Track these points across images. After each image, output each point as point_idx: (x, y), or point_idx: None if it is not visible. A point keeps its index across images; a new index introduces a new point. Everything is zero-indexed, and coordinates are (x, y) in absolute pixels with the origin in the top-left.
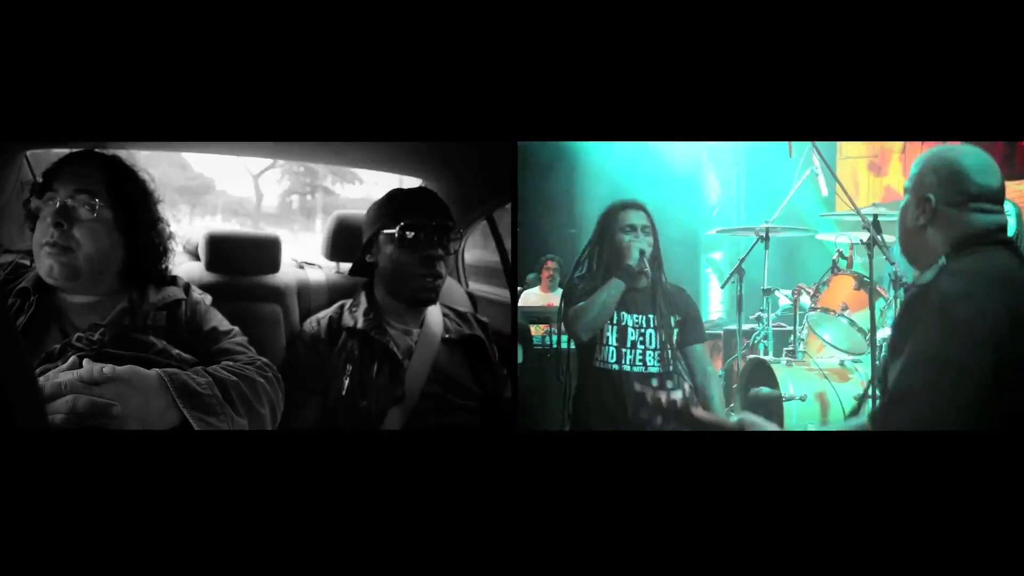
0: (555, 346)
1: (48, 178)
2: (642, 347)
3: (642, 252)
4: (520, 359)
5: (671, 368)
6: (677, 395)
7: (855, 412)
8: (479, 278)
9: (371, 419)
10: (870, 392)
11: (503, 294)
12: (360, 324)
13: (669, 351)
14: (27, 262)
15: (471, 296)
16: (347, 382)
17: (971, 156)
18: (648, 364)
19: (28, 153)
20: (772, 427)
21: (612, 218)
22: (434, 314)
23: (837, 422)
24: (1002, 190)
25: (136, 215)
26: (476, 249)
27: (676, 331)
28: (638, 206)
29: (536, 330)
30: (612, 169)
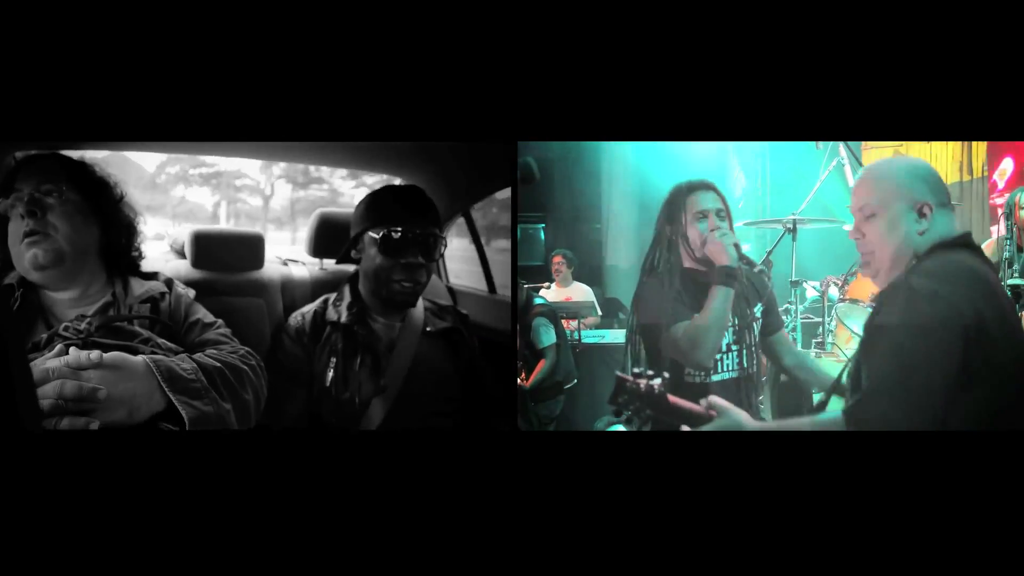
0: (580, 341)
1: (8, 181)
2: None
3: (736, 247)
4: (553, 339)
5: (749, 372)
6: (656, 382)
7: (821, 406)
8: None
9: (354, 410)
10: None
11: (481, 288)
12: (344, 318)
13: (748, 351)
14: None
15: (451, 290)
16: (331, 374)
17: (924, 167)
18: (726, 367)
19: (17, 155)
20: (738, 413)
21: (678, 206)
22: (416, 308)
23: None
24: (948, 196)
25: (100, 195)
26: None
27: (760, 323)
28: (707, 186)
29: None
30: (636, 162)
